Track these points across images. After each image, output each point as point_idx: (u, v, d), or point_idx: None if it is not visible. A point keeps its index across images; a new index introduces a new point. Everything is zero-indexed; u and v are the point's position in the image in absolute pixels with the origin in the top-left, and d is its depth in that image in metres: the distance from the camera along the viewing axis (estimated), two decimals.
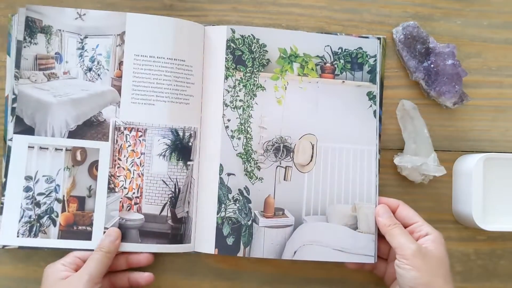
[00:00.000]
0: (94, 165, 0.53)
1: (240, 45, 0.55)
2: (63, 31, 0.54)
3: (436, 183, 0.58)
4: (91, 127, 0.53)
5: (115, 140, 0.54)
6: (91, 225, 0.52)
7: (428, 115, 0.58)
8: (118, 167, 0.54)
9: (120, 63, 0.54)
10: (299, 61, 0.55)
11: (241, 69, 0.54)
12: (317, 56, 0.56)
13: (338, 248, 0.53)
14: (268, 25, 0.58)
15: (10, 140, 0.52)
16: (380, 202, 0.54)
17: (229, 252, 0.53)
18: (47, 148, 0.53)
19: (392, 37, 0.58)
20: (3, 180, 0.52)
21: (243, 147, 0.54)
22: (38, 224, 0.52)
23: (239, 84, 0.54)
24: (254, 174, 0.54)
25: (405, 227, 0.51)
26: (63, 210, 0.53)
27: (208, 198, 0.54)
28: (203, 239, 0.54)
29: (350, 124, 0.55)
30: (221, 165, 0.54)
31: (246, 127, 0.54)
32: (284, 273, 0.57)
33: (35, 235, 0.52)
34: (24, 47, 0.53)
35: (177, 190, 0.54)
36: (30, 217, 0.52)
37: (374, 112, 0.55)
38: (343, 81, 0.55)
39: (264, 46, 0.55)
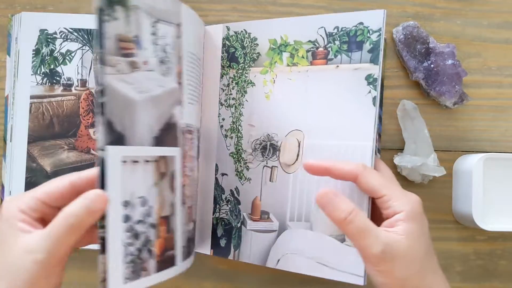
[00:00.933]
0: (172, 176, 0.44)
1: (234, 42, 0.53)
2: (138, 8, 0.41)
3: (436, 183, 0.58)
4: (168, 131, 0.44)
5: (183, 145, 0.46)
6: (173, 247, 0.44)
7: (428, 115, 0.58)
8: (185, 175, 0.46)
9: (179, 58, 0.46)
10: (289, 50, 0.50)
11: (234, 66, 0.53)
12: (309, 41, 0.49)
13: (322, 262, 0.47)
14: None
15: (102, 150, 0.38)
16: (331, 171, 0.42)
17: (222, 254, 0.52)
18: (138, 161, 0.41)
19: (392, 37, 0.58)
20: None
21: (235, 146, 0.52)
22: (140, 261, 0.40)
23: (232, 81, 0.53)
24: (243, 175, 0.52)
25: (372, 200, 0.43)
26: (157, 236, 0.42)
27: (206, 198, 0.54)
28: (201, 239, 0.54)
29: (344, 117, 0.47)
30: (216, 165, 0.53)
31: (237, 126, 0.52)
32: (284, 274, 0.57)
33: (138, 276, 0.40)
34: (104, 21, 0.38)
35: (195, 191, 0.52)
36: (132, 254, 0.39)
37: (374, 98, 0.46)
38: (337, 66, 0.48)
39: (255, 40, 0.51)
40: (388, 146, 0.58)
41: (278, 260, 0.50)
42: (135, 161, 0.40)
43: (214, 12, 0.58)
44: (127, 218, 0.39)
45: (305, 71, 0.49)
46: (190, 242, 0.48)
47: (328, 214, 0.40)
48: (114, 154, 0.38)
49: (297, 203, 0.49)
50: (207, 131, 0.54)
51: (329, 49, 0.48)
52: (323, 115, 0.48)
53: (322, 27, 0.49)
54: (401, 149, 0.58)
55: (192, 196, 0.49)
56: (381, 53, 0.46)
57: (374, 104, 0.46)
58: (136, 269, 0.40)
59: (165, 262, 0.43)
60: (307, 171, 0.44)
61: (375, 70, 0.46)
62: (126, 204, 0.39)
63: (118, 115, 0.39)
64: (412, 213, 0.40)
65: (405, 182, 0.57)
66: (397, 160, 0.56)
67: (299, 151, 0.49)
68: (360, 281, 0.45)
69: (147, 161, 0.41)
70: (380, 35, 0.46)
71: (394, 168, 0.57)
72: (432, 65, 0.56)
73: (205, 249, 0.53)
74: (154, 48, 0.43)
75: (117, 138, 0.39)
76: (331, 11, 0.58)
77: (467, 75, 0.57)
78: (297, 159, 0.49)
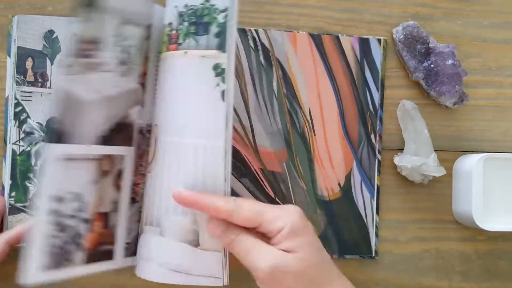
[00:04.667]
0: (119, 174, 0.46)
1: None
2: (106, 9, 0.42)
3: (436, 183, 0.58)
4: (119, 131, 0.45)
5: (138, 145, 0.47)
6: (112, 242, 0.45)
7: (428, 115, 0.58)
8: (139, 174, 0.48)
9: (146, 59, 0.46)
10: (161, 37, 0.44)
11: None
12: (169, 23, 0.43)
13: (175, 268, 0.42)
14: (268, 25, 0.58)
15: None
16: (206, 207, 0.40)
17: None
18: (76, 159, 0.42)
19: (392, 37, 0.58)
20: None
21: None
22: (64, 252, 0.42)
23: None
24: None
25: (255, 230, 0.40)
26: (90, 230, 0.44)
27: None
28: None
29: (195, 112, 0.41)
30: None
31: None
32: None
33: (61, 266, 0.42)
34: (74, 22, 0.40)
35: None
36: (55, 245, 0.42)
37: (223, 93, 0.40)
38: (186, 52, 0.41)
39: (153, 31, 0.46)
40: (388, 146, 0.58)
41: (136, 266, 0.46)
42: (73, 159, 0.41)
43: None
44: (54, 212, 0.41)
45: (162, 59, 0.43)
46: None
47: (221, 237, 0.40)
48: (51, 150, 0.40)
49: (149, 205, 0.45)
50: None
51: (179, 31, 0.41)
52: (175, 109, 0.42)
53: (176, 5, 0.42)
54: (401, 149, 0.58)
55: None
56: (231, 38, 0.39)
57: (223, 98, 0.40)
58: (59, 260, 0.41)
59: (98, 255, 0.44)
60: (176, 200, 0.41)
61: (223, 59, 0.39)
62: (55, 199, 0.41)
63: (60, 114, 0.40)
64: (295, 226, 0.38)
65: (405, 182, 0.57)
66: (397, 160, 0.56)
67: (155, 149, 0.44)
68: (219, 282, 0.42)
69: (87, 159, 0.42)
70: (227, 15, 0.39)
71: (394, 168, 0.57)
72: (432, 65, 0.56)
73: None
74: (115, 49, 0.43)
75: (56, 135, 0.40)
76: (332, 11, 0.58)
77: (467, 75, 0.57)
78: (153, 158, 0.44)
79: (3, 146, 0.55)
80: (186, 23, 0.40)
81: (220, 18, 0.39)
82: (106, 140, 0.44)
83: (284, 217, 0.38)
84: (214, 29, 0.39)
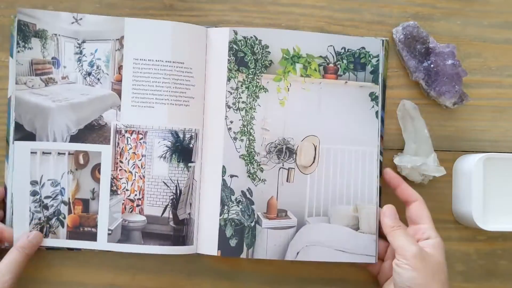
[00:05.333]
0: (97, 168, 0.54)
1: (243, 47, 0.54)
2: (59, 35, 0.54)
3: (436, 183, 0.58)
4: (92, 131, 0.54)
5: (117, 143, 0.54)
6: (95, 226, 0.54)
7: (428, 115, 0.58)
8: (120, 170, 0.54)
9: (120, 67, 0.54)
10: (302, 61, 0.55)
11: (244, 71, 0.54)
12: (320, 56, 0.55)
13: (339, 248, 0.54)
14: (268, 25, 0.58)
15: (14, 143, 0.53)
16: (401, 191, 0.54)
17: (232, 254, 0.53)
18: (50, 153, 0.54)
19: (392, 37, 0.58)
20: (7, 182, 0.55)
21: (246, 149, 0.54)
22: (48, 226, 0.54)
23: (241, 85, 0.54)
24: (257, 176, 0.54)
25: (411, 225, 0.53)
26: (70, 212, 0.54)
27: (211, 199, 0.54)
28: (205, 240, 0.54)
29: (352, 125, 0.55)
30: (224, 166, 0.54)
31: (248, 129, 0.54)
32: (284, 273, 0.57)
33: (46, 236, 0.54)
34: (18, 51, 0.53)
35: (178, 191, 0.54)
36: (39, 219, 0.53)
37: (376, 113, 0.55)
38: (346, 82, 0.55)
39: (267, 47, 0.55)
40: (388, 146, 0.58)
41: (298, 253, 0.54)
42: (47, 153, 0.54)
43: (214, 12, 0.58)
44: (35, 193, 0.53)
45: (318, 83, 0.55)
46: (128, 231, 0.54)
47: (387, 221, 0.52)
48: (22, 147, 0.53)
49: (315, 200, 0.55)
50: (210, 133, 0.54)
51: (339, 66, 0.56)
52: (335, 123, 0.55)
53: (331, 45, 0.56)
54: (401, 149, 0.58)
55: (145, 192, 0.54)
56: (381, 75, 0.56)
57: (376, 117, 0.55)
58: (44, 231, 0.53)
59: (82, 234, 0.54)
60: (385, 175, 0.55)
61: (376, 89, 0.56)
62: (34, 183, 0.53)
63: (28, 119, 0.53)
64: (440, 244, 0.50)
65: (405, 182, 0.57)
66: (397, 160, 0.56)
67: (315, 154, 0.55)
68: (372, 260, 0.54)
69: (60, 153, 0.54)
70: (378, 60, 0.55)
71: (394, 168, 0.57)
72: (432, 65, 0.57)
73: (211, 250, 0.53)
74: (77, 64, 0.54)
75: (26, 135, 0.53)
76: (332, 11, 0.58)
77: (467, 75, 0.57)
78: (313, 162, 0.55)
79: (5, 145, 0.55)
80: (345, 61, 0.55)
81: (374, 61, 0.56)
82: (79, 138, 0.54)
83: (435, 234, 0.51)
84: (369, 68, 0.56)
